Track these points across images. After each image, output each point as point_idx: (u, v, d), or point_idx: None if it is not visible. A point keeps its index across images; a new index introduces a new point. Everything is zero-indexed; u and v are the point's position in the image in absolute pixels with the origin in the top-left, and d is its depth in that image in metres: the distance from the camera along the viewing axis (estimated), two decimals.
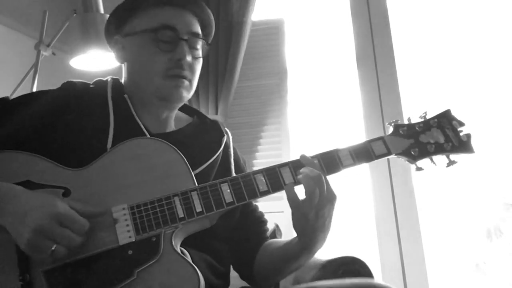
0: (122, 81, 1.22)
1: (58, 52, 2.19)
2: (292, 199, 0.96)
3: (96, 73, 2.09)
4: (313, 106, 2.50)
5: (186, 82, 1.13)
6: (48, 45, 2.07)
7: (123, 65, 1.22)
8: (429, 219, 2.17)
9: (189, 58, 1.12)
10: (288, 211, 1.01)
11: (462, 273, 2.25)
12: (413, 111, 2.24)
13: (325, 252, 1.20)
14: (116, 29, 1.19)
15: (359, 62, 2.30)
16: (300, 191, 0.99)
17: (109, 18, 1.20)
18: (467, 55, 2.31)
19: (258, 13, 2.37)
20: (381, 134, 2.13)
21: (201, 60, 1.19)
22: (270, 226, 1.40)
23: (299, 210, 0.96)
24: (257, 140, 2.31)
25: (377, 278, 1.18)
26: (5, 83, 2.16)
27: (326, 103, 2.48)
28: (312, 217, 0.96)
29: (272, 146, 2.31)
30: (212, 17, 1.23)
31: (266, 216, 1.30)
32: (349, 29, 2.34)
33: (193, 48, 1.15)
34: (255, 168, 2.17)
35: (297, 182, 1.00)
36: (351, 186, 2.27)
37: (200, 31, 1.19)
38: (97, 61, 2.10)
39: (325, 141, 2.39)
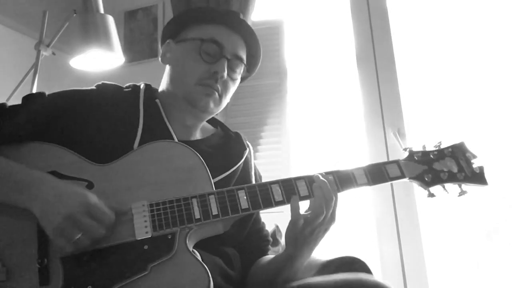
0: (160, 84, 1.26)
1: (58, 52, 2.20)
2: (295, 212, 1.01)
3: (96, 73, 2.10)
4: (313, 106, 2.50)
5: (216, 95, 1.17)
6: (48, 45, 2.08)
7: (166, 67, 1.26)
8: (429, 219, 2.17)
9: (225, 75, 1.16)
10: (288, 211, 1.02)
11: (462, 273, 2.25)
12: (413, 111, 2.23)
13: (325, 252, 1.20)
14: (170, 34, 1.25)
15: (359, 62, 2.30)
16: (304, 203, 1.04)
17: (170, 21, 1.26)
18: (467, 54, 2.31)
19: (258, 13, 2.37)
20: (381, 134, 2.17)
21: (237, 83, 1.24)
22: (270, 227, 1.40)
23: (297, 223, 1.01)
24: (257, 140, 2.31)
25: (377, 278, 1.18)
26: (5, 83, 2.17)
27: (326, 103, 2.48)
28: (307, 232, 1.01)
29: (272, 146, 2.31)
30: (260, 50, 1.27)
31: (266, 216, 1.31)
32: (349, 29, 2.35)
33: (232, 69, 1.20)
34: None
35: (311, 196, 1.04)
36: None
37: (244, 57, 1.23)
38: (97, 61, 2.10)
39: (325, 141, 2.40)
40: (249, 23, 2.26)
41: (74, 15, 2.05)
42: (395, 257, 2.08)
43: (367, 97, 2.25)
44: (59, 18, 2.13)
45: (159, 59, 1.27)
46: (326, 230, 1.04)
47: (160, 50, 1.28)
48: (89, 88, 1.18)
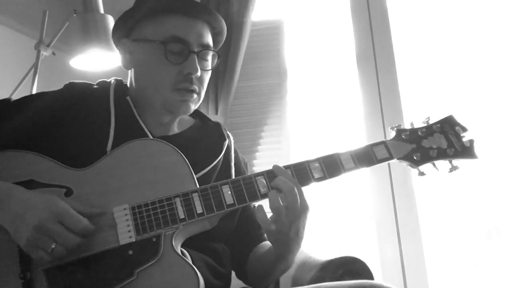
0: (128, 82, 1.20)
1: (58, 52, 2.19)
2: (262, 221, 0.96)
3: (96, 73, 2.09)
4: (313, 106, 2.50)
5: (195, 96, 1.12)
6: (48, 45, 2.07)
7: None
8: (429, 219, 2.17)
9: (199, 73, 1.09)
10: None
11: (462, 273, 2.25)
12: (413, 111, 2.24)
13: (325, 252, 1.20)
14: (123, 33, 1.16)
15: (359, 62, 2.30)
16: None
17: (116, 21, 1.16)
18: (467, 54, 2.31)
19: (258, 13, 2.36)
20: (381, 134, 2.16)
21: (210, 70, 1.16)
22: None
23: (270, 229, 0.96)
24: (257, 140, 2.31)
25: (377, 278, 1.18)
26: (5, 83, 2.16)
27: (326, 103, 2.47)
28: (286, 230, 0.95)
29: (272, 146, 2.31)
30: (224, 25, 1.19)
31: None
32: (349, 29, 2.34)
33: (203, 59, 1.13)
34: (254, 168, 2.20)
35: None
36: (351, 186, 2.27)
37: (211, 42, 1.16)
38: (97, 61, 2.10)
39: (325, 141, 2.39)
40: (249, 23, 2.26)
41: (74, 15, 2.04)
42: (395, 257, 2.08)
43: (367, 97, 2.25)
44: (59, 18, 2.13)
45: (121, 65, 1.16)
46: (304, 219, 0.97)
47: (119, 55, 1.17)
48: (57, 89, 1.14)
